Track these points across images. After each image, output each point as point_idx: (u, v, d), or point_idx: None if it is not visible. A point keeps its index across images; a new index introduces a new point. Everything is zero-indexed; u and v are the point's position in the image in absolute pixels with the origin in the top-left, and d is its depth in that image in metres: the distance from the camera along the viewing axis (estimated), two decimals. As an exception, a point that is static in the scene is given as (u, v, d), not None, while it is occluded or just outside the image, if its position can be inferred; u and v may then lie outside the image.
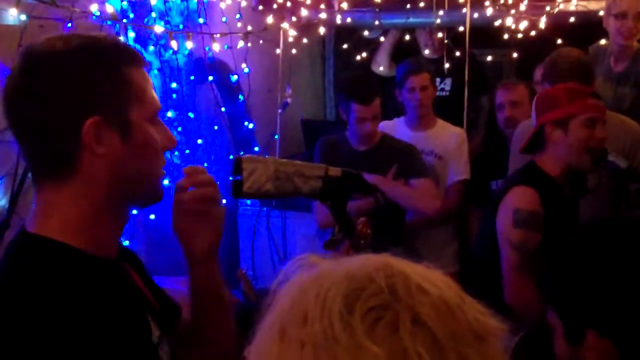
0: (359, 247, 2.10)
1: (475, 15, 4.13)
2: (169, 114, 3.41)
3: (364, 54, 4.92)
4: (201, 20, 3.54)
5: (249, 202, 3.93)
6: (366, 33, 4.91)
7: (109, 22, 2.95)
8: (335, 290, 0.63)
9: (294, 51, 4.35)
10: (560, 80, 2.69)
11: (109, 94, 1.06)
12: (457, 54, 4.27)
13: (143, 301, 1.19)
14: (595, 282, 1.12)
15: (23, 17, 2.50)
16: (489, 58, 4.86)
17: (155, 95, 1.14)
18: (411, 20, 4.37)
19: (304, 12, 4.05)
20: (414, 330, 0.60)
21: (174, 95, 3.47)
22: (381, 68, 4.95)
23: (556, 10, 4.13)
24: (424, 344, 0.60)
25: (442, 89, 4.30)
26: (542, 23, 4.11)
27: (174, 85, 3.45)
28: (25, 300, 0.98)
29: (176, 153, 3.43)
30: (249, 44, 3.72)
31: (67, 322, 0.97)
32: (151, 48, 3.35)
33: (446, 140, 3.47)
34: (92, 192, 1.07)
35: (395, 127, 3.48)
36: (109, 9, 2.94)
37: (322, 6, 4.21)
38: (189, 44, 3.31)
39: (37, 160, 1.08)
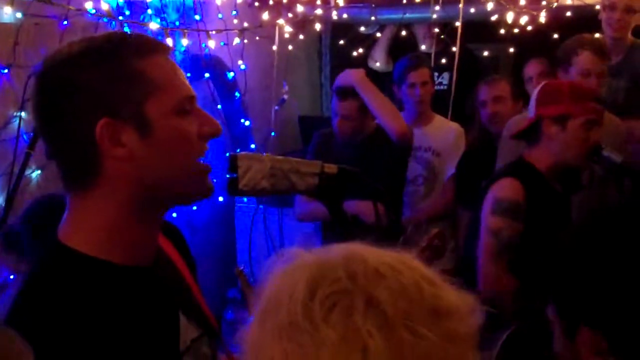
0: (425, 258, 2.08)
1: (472, 10, 4.13)
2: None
3: (361, 50, 4.91)
4: (197, 17, 3.54)
5: (245, 199, 3.92)
6: (362, 29, 4.90)
7: (104, 20, 2.95)
8: (304, 281, 0.69)
9: (290, 47, 4.34)
10: (580, 48, 2.84)
11: (119, 92, 0.99)
12: (454, 49, 4.27)
13: (177, 305, 1.15)
14: (586, 277, 1.12)
15: (19, 15, 2.50)
16: (486, 53, 4.85)
17: (183, 81, 1.06)
18: (407, 15, 4.37)
19: (299, 8, 4.04)
20: (367, 312, 0.66)
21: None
22: (378, 64, 4.95)
23: (555, 4, 4.12)
24: (375, 323, 0.65)
25: (440, 83, 4.31)
26: (542, 18, 4.10)
27: (170, 82, 3.44)
28: (42, 314, 0.98)
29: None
30: (245, 41, 3.71)
31: (79, 339, 0.96)
32: (147, 45, 3.34)
33: (444, 136, 3.47)
34: (117, 198, 1.02)
35: (392, 123, 3.46)
36: (105, 6, 2.93)
37: (318, 2, 4.20)
38: (185, 41, 3.31)
39: (63, 168, 1.05)
